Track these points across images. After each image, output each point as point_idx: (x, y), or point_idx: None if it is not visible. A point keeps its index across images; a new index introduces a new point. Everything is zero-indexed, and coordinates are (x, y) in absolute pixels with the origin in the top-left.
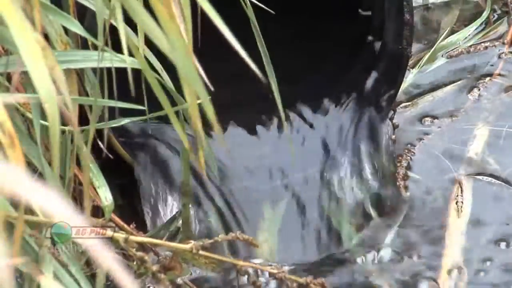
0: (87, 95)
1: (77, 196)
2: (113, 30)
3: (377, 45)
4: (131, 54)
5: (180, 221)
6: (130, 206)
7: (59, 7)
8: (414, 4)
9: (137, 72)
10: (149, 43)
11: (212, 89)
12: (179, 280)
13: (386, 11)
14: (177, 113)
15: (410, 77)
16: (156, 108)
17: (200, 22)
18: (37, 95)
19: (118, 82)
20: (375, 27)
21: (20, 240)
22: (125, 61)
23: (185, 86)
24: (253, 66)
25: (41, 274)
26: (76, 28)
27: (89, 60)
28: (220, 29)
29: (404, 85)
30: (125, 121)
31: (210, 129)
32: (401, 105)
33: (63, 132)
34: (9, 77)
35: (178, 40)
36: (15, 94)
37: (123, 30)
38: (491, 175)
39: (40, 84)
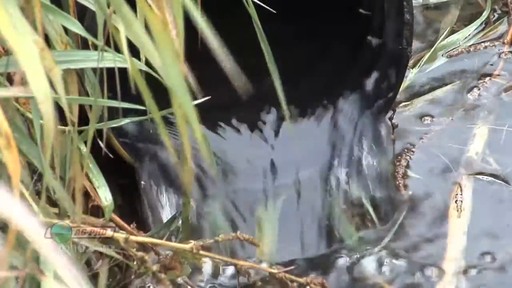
0: (87, 95)
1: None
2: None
3: (377, 45)
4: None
5: (180, 221)
6: (130, 206)
7: (59, 7)
8: (414, 4)
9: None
10: None
11: (202, 95)
12: (179, 280)
13: (386, 11)
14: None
15: (410, 77)
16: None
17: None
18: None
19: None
20: (375, 27)
21: (15, 239)
22: (126, 62)
23: (175, 105)
24: (234, 73)
25: (42, 274)
26: (76, 28)
27: (90, 60)
28: (204, 34)
29: (404, 85)
30: (125, 121)
31: (214, 127)
32: (401, 105)
33: (63, 132)
34: (9, 77)
35: (170, 54)
36: (14, 88)
37: (123, 34)
38: (491, 175)
39: (35, 85)
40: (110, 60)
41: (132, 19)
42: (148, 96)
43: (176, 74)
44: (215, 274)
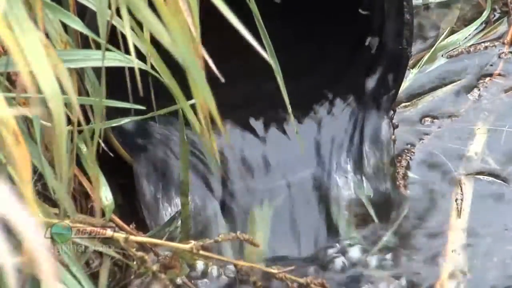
0: (87, 94)
1: (77, 196)
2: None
3: (377, 45)
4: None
5: (180, 221)
6: (130, 206)
7: (59, 5)
8: (414, 4)
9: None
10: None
11: (223, 80)
12: (178, 280)
13: (386, 11)
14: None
15: (410, 77)
16: (152, 109)
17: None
18: (40, 95)
19: (115, 82)
20: (375, 27)
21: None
22: (130, 61)
23: (190, 80)
24: (264, 53)
25: (42, 274)
26: (78, 25)
27: (90, 59)
28: (232, 23)
29: (404, 85)
30: (125, 121)
31: (213, 127)
32: (401, 105)
33: None
34: (9, 77)
35: (181, 35)
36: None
37: (129, 30)
38: (491, 175)
39: (44, 82)
40: (112, 59)
41: (141, 4)
42: (176, 88)
43: (189, 50)
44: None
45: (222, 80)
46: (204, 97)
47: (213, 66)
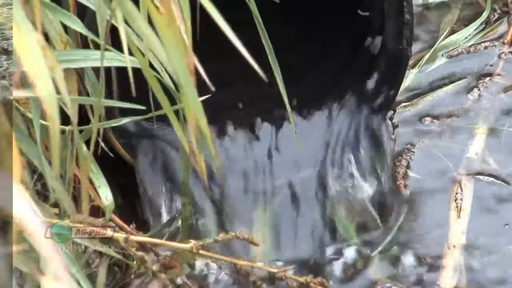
0: (87, 94)
1: (77, 196)
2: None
3: (377, 45)
4: (131, 53)
5: (180, 221)
6: (130, 206)
7: (59, 6)
8: (414, 4)
9: (136, 72)
10: None
11: (213, 89)
12: (178, 280)
13: (386, 11)
14: (177, 112)
15: (410, 77)
16: (153, 108)
17: (198, 23)
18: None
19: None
20: (375, 27)
21: (18, 239)
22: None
23: (183, 97)
24: (253, 63)
25: (42, 274)
26: (78, 26)
27: (90, 59)
28: (223, 29)
29: (404, 85)
30: (125, 120)
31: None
32: (401, 105)
33: (63, 131)
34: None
35: (175, 47)
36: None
37: (123, 30)
38: (491, 175)
39: (39, 84)
40: (111, 59)
41: (136, 14)
42: (159, 90)
43: (182, 68)
44: None
45: (212, 88)
46: (195, 114)
47: (204, 74)
